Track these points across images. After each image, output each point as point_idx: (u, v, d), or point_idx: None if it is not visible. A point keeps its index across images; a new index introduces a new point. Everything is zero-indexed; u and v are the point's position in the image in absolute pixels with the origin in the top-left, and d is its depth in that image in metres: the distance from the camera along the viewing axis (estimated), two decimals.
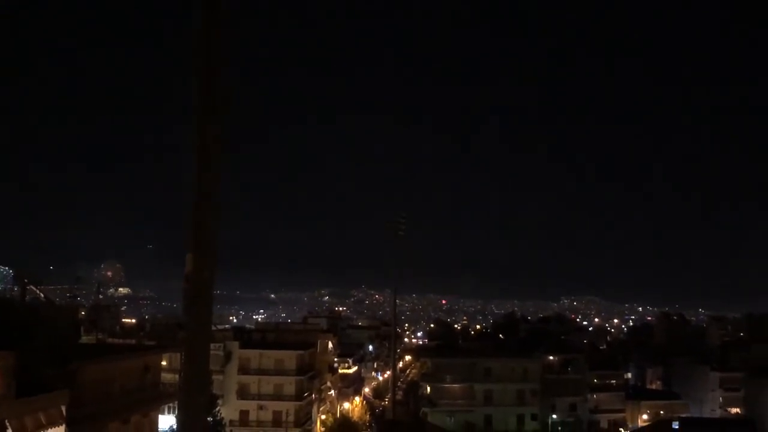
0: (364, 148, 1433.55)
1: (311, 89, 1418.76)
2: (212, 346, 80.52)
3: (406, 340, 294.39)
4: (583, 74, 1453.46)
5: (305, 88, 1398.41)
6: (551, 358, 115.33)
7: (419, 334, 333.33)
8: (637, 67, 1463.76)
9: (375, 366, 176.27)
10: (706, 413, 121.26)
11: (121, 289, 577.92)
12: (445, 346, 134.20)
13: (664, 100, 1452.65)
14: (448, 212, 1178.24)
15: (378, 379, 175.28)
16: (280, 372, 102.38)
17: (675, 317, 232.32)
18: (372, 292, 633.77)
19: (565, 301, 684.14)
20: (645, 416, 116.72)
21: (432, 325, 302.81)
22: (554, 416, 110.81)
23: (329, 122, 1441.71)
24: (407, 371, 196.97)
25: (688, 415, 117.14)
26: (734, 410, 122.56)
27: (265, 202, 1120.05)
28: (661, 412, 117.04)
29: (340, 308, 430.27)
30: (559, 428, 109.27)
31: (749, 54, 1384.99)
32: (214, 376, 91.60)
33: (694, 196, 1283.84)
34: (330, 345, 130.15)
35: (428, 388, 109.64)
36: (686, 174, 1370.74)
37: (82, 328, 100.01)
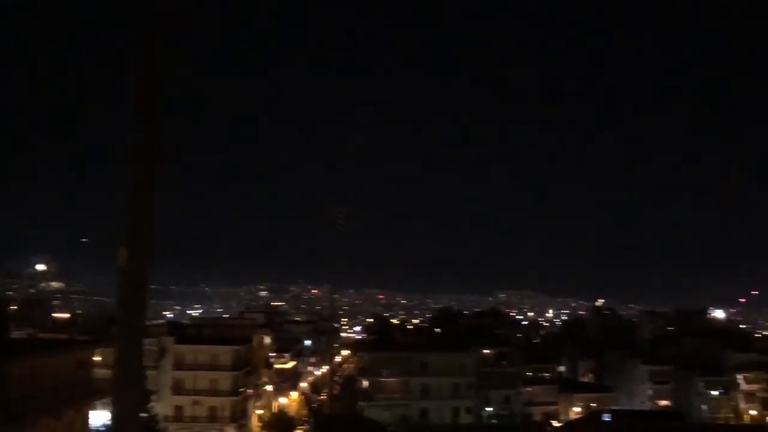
0: (303, 142, 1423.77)
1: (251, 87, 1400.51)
2: (146, 341, 79.24)
3: (343, 335, 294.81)
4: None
5: (243, 86, 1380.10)
6: (487, 351, 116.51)
7: (357, 328, 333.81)
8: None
9: (312, 361, 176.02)
10: (636, 406, 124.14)
11: (53, 283, 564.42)
12: (382, 340, 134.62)
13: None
14: (387, 207, 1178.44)
15: (315, 374, 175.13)
16: (215, 367, 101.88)
17: (607, 312, 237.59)
18: (310, 287, 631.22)
19: (502, 295, 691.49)
20: (577, 408, 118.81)
21: (370, 320, 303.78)
22: (489, 409, 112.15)
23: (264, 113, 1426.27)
24: (344, 366, 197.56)
25: (619, 407, 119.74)
26: (663, 402, 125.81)
27: (201, 196, 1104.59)
28: (593, 404, 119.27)
29: (278, 303, 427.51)
30: (493, 421, 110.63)
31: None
32: (149, 372, 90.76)
33: (630, 196, 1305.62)
34: (267, 340, 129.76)
35: (365, 383, 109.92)
36: (623, 173, 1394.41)
37: (12, 323, 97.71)
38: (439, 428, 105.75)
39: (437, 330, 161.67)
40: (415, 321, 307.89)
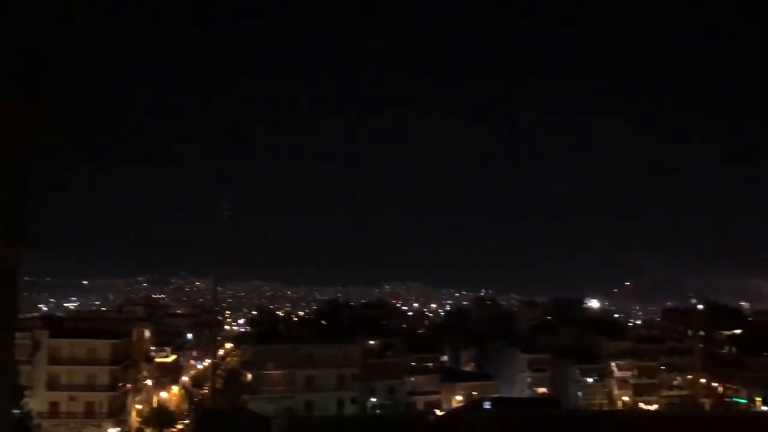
0: (193, 135, 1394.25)
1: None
2: (19, 334, 76.40)
3: (227, 327, 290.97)
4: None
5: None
6: (372, 342, 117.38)
7: (241, 321, 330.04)
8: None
9: (195, 354, 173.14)
10: (516, 393, 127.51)
11: None
12: (267, 333, 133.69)
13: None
14: (273, 198, 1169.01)
15: (198, 367, 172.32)
16: (93, 362, 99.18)
17: (489, 302, 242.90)
18: (192, 279, 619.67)
19: (388, 287, 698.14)
20: (459, 397, 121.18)
21: (254, 313, 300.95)
22: (373, 399, 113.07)
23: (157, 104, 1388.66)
24: (228, 359, 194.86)
25: (499, 395, 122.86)
26: (541, 390, 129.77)
27: (80, 184, 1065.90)
28: (474, 392, 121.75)
29: (159, 296, 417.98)
30: (378, 411, 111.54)
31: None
32: (22, 367, 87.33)
33: (513, 188, 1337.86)
34: (147, 333, 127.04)
35: (249, 376, 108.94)
36: (505, 168, 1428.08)
37: None
38: (323, 420, 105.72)
39: (323, 322, 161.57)
40: (300, 313, 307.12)
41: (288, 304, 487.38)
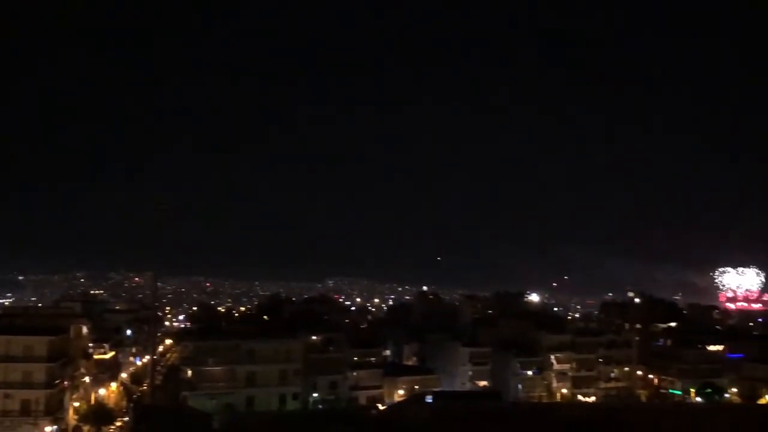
0: (138, 128, 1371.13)
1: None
2: None
3: (167, 323, 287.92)
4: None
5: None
6: (314, 338, 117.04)
7: (181, 317, 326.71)
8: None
9: (134, 351, 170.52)
10: (458, 387, 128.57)
11: None
12: (207, 328, 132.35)
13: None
14: (214, 192, 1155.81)
15: (137, 364, 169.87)
16: (29, 359, 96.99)
17: (431, 296, 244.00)
18: (131, 274, 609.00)
19: (330, 282, 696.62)
20: (401, 391, 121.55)
21: (194, 308, 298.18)
22: (315, 395, 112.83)
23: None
24: (168, 355, 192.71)
25: (441, 389, 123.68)
26: (482, 383, 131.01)
27: (15, 178, 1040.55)
28: (416, 387, 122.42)
29: (97, 291, 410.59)
30: (320, 406, 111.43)
31: None
32: None
33: (455, 184, 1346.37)
34: (85, 330, 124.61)
35: (189, 372, 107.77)
36: (449, 165, 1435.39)
37: None
38: (264, 415, 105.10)
39: (265, 317, 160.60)
40: (242, 308, 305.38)
41: (229, 300, 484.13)
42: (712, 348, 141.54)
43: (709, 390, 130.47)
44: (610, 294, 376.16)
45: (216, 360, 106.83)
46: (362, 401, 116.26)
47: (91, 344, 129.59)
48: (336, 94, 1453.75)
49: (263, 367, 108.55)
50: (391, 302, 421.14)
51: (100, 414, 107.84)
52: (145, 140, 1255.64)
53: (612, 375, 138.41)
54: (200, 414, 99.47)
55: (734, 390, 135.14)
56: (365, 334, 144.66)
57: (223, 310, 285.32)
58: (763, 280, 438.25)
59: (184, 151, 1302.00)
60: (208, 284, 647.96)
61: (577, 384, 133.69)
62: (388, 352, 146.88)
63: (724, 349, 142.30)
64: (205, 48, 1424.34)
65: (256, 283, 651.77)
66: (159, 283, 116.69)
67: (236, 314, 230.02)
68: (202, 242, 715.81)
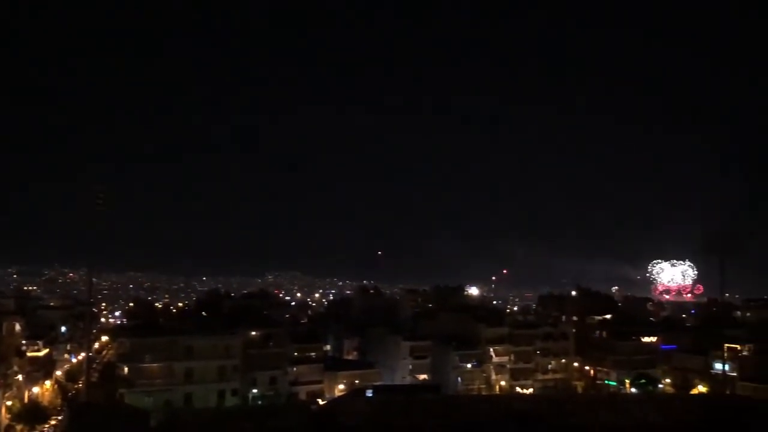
0: (63, 118, 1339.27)
1: None
2: None
3: (103, 320, 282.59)
4: None
5: None
6: (253, 333, 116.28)
7: (117, 314, 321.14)
8: None
9: (68, 348, 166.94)
10: (398, 380, 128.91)
11: None
12: (144, 325, 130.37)
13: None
14: (150, 186, 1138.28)
15: (72, 361, 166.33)
16: None
17: (372, 291, 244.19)
18: (66, 270, 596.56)
19: (270, 277, 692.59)
20: (341, 386, 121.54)
21: (131, 304, 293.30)
22: (255, 390, 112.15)
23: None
24: (104, 352, 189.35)
25: (381, 383, 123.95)
26: (422, 376, 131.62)
27: None
28: (357, 381, 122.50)
29: (30, 287, 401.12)
30: (259, 402, 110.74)
31: None
32: None
33: (397, 181, 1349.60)
34: (18, 327, 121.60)
35: (126, 369, 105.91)
36: (385, 159, 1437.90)
37: None
38: (203, 412, 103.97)
39: (203, 313, 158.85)
40: (180, 304, 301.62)
41: (166, 296, 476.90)
42: (646, 339, 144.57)
43: (643, 380, 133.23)
44: (548, 287, 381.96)
45: (153, 357, 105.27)
46: (302, 396, 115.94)
47: (24, 341, 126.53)
48: (283, 93, 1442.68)
49: (201, 363, 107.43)
50: (331, 297, 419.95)
51: (33, 413, 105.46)
52: (80, 132, 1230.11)
53: (549, 367, 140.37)
54: (137, 412, 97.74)
55: (668, 380, 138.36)
56: (305, 329, 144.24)
57: (160, 306, 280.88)
58: (696, 272, 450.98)
59: (121, 147, 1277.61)
60: (144, 280, 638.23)
61: (516, 376, 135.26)
62: (328, 347, 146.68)
63: (657, 340, 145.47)
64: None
65: (194, 279, 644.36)
66: (94, 279, 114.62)
67: (174, 310, 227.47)
68: (138, 238, 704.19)
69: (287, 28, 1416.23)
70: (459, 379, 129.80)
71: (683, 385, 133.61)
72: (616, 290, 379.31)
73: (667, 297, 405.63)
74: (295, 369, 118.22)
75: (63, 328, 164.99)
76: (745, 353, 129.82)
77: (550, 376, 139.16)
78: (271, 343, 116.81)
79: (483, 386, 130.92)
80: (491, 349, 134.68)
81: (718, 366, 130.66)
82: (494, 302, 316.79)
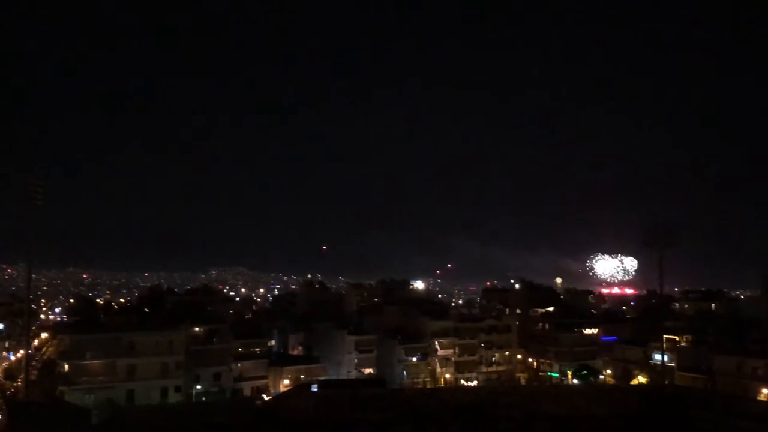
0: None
1: None
2: None
3: (42, 317, 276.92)
4: None
5: None
6: (197, 329, 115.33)
7: (57, 310, 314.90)
8: None
9: (7, 345, 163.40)
10: (344, 375, 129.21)
11: None
12: (85, 321, 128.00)
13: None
14: (92, 183, 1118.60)
15: (11, 359, 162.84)
16: None
17: (317, 285, 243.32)
18: (4, 266, 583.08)
19: (214, 272, 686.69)
20: (287, 381, 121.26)
21: (72, 301, 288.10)
22: (199, 387, 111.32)
23: None
24: (44, 350, 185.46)
25: (327, 377, 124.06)
26: (367, 370, 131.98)
27: None
28: (302, 376, 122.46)
29: None
30: (203, 398, 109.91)
31: None
32: None
33: (327, 176, 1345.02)
34: None
35: (66, 366, 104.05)
36: (333, 154, 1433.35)
37: None
38: (145, 409, 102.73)
39: (145, 309, 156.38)
40: (121, 300, 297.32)
41: (108, 292, 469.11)
42: (587, 331, 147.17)
43: (584, 372, 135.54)
44: (493, 280, 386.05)
45: (94, 353, 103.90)
46: (247, 392, 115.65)
47: None
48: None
49: (144, 359, 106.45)
50: (276, 292, 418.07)
51: None
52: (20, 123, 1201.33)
53: (493, 359, 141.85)
54: (78, 409, 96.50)
55: (608, 371, 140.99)
56: (250, 324, 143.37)
57: (101, 302, 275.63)
58: (636, 265, 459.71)
59: (58, 139, 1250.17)
60: (85, 276, 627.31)
61: (460, 368, 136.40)
62: (273, 342, 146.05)
63: (598, 332, 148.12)
64: None
65: (136, 274, 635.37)
66: (33, 275, 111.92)
67: (115, 306, 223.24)
68: (79, 233, 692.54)
69: None
70: (404, 372, 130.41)
71: (623, 376, 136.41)
72: (560, 282, 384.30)
73: (608, 290, 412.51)
74: (239, 365, 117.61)
75: (1, 326, 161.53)
76: (683, 344, 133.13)
77: (494, 368, 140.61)
78: (214, 339, 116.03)
79: (428, 379, 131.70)
80: (436, 343, 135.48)
81: (657, 357, 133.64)
82: (439, 296, 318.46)
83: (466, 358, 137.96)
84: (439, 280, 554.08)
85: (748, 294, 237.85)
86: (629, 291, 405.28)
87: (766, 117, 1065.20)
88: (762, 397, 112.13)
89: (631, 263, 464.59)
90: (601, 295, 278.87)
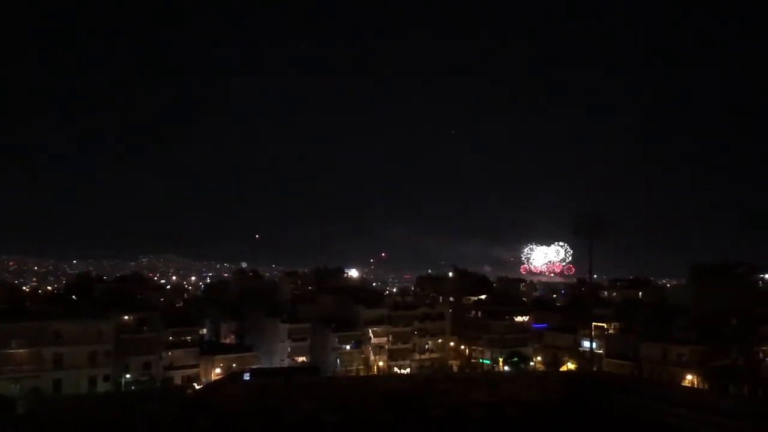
0: None
1: None
2: None
3: None
4: None
5: None
6: (126, 317, 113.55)
7: None
8: None
9: None
10: (276, 363, 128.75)
11: None
12: (11, 309, 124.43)
13: None
14: (20, 166, 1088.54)
15: None
16: None
17: (251, 273, 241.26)
18: None
19: (144, 259, 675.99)
20: (218, 370, 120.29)
21: None
22: (128, 376, 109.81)
23: None
24: None
25: (259, 366, 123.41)
26: (301, 359, 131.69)
27: None
28: (234, 365, 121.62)
29: None
30: (133, 387, 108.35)
31: None
32: None
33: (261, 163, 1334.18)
34: None
35: None
36: (264, 138, 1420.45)
37: None
38: (73, 398, 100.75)
39: (73, 297, 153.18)
40: (48, 288, 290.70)
41: (35, 279, 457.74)
42: (519, 319, 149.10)
43: (515, 359, 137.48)
44: (427, 269, 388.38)
45: (20, 342, 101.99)
46: (178, 381, 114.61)
47: None
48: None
49: (71, 348, 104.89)
50: (208, 280, 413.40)
51: None
52: None
53: (427, 347, 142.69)
54: (2, 399, 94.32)
55: (539, 358, 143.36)
56: (181, 312, 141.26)
57: (27, 289, 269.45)
58: (568, 254, 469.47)
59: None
60: (11, 263, 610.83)
61: (394, 356, 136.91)
62: (204, 331, 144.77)
63: (529, 319, 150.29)
64: None
65: (64, 262, 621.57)
66: None
67: (42, 294, 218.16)
68: (4, 220, 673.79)
69: None
70: (338, 360, 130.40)
71: (553, 363, 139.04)
72: (489, 270, 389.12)
73: (539, 278, 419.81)
74: (170, 353, 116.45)
75: None
76: (611, 331, 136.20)
77: (427, 355, 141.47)
78: (144, 328, 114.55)
79: (362, 367, 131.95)
80: (370, 331, 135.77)
81: (586, 344, 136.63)
82: (374, 284, 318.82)
83: (399, 345, 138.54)
84: (373, 268, 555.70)
85: (674, 282, 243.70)
86: (560, 279, 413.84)
87: (698, 111, 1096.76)
88: (686, 383, 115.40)
89: (563, 252, 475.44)
90: (532, 283, 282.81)
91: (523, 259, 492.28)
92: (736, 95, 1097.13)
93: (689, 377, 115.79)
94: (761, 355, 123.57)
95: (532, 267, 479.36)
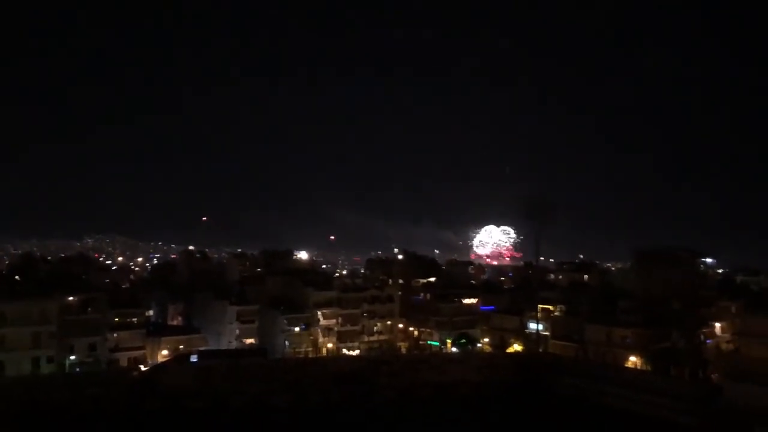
0: None
1: None
2: None
3: None
4: None
5: None
6: (71, 298, 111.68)
7: None
8: None
9: None
10: (224, 345, 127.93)
11: None
12: None
13: None
14: None
15: None
16: None
17: (198, 255, 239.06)
18: None
19: (90, 240, 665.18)
20: (165, 351, 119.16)
21: None
22: (72, 357, 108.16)
23: None
24: None
25: (207, 347, 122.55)
26: (249, 341, 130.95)
27: None
28: (181, 346, 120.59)
29: None
30: (77, 369, 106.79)
31: None
32: None
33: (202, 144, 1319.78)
34: None
35: None
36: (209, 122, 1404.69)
37: None
38: (16, 380, 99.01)
39: (16, 277, 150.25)
40: None
41: None
42: (467, 301, 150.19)
43: (463, 340, 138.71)
44: (377, 251, 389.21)
45: None
46: (123, 363, 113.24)
47: None
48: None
49: (14, 329, 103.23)
50: (155, 261, 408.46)
51: None
52: None
53: (375, 329, 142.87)
54: None
55: (486, 340, 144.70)
56: (127, 294, 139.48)
57: None
58: (515, 237, 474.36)
59: None
60: None
61: (343, 338, 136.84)
62: (151, 313, 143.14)
63: (477, 302, 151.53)
64: None
65: (7, 242, 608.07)
66: None
67: None
68: None
69: None
70: (287, 342, 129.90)
71: (500, 344, 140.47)
72: (439, 253, 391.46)
73: (487, 261, 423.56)
74: (115, 335, 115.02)
75: None
76: (557, 314, 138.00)
77: (376, 337, 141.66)
78: (89, 309, 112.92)
79: (310, 349, 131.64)
80: (319, 313, 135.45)
81: (533, 326, 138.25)
82: (323, 266, 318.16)
83: (348, 327, 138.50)
84: (323, 251, 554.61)
85: (619, 266, 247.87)
86: (507, 262, 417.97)
87: (651, 98, 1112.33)
88: (629, 364, 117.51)
89: (510, 235, 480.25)
90: (480, 266, 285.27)
91: (471, 243, 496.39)
92: (693, 81, 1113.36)
93: (633, 359, 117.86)
94: (702, 337, 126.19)
95: (480, 250, 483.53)
